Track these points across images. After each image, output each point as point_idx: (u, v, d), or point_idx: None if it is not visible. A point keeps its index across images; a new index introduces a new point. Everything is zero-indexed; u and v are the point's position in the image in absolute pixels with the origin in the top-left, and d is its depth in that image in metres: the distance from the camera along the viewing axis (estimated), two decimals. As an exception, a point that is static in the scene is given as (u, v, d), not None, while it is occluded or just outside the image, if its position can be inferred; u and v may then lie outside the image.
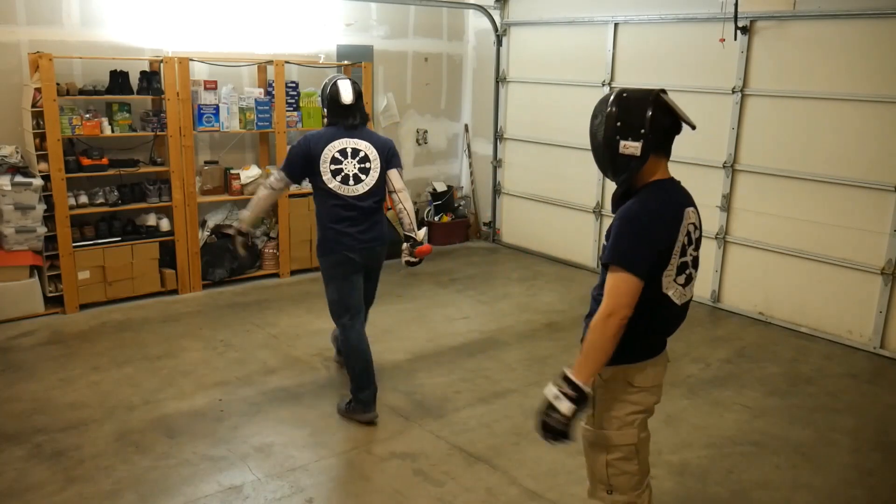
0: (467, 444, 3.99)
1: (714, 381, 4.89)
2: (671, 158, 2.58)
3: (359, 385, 4.20)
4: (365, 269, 4.20)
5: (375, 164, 4.10)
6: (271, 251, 6.86)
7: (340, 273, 4.13)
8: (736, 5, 5.57)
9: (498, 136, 8.18)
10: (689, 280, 2.52)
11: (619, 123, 2.39)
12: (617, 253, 2.33)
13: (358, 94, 4.11)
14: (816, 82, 5.57)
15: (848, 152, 5.45)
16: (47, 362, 4.91)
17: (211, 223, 6.77)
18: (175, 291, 6.30)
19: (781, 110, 5.79)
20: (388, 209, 7.87)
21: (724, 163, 6.12)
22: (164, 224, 6.23)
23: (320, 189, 4.08)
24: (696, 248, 2.54)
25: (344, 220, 4.07)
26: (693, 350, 5.41)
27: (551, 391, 2.33)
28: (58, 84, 5.47)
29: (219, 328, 5.59)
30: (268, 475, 3.68)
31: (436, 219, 8.27)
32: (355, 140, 4.07)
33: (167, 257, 6.25)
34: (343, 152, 4.02)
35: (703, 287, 6.46)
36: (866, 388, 4.89)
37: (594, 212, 7.23)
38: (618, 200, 2.50)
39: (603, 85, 6.94)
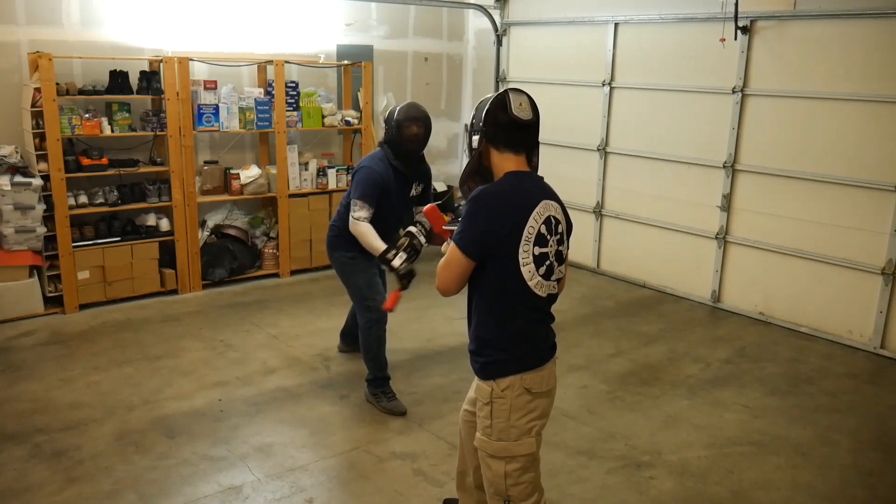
0: (467, 444, 3.99)
1: (714, 381, 4.89)
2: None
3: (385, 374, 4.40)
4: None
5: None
6: (271, 251, 6.85)
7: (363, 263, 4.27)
8: (736, 5, 5.57)
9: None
10: (551, 272, 2.55)
11: (473, 121, 2.64)
12: (456, 233, 2.50)
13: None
14: (816, 82, 5.56)
15: (848, 152, 5.45)
16: (47, 362, 4.91)
17: (211, 223, 6.78)
18: (175, 291, 6.29)
19: (781, 110, 5.79)
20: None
21: (725, 163, 6.12)
22: (164, 224, 6.22)
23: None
24: (561, 243, 2.58)
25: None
26: (693, 350, 5.41)
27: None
28: (57, 84, 5.47)
29: (219, 328, 5.59)
30: (268, 475, 3.68)
31: (436, 219, 8.27)
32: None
33: (167, 257, 6.25)
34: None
35: (703, 287, 6.46)
36: (866, 388, 4.89)
37: (594, 212, 7.22)
38: (465, 188, 2.66)
39: (603, 85, 6.94)
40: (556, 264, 2.56)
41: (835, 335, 5.65)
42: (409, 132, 4.20)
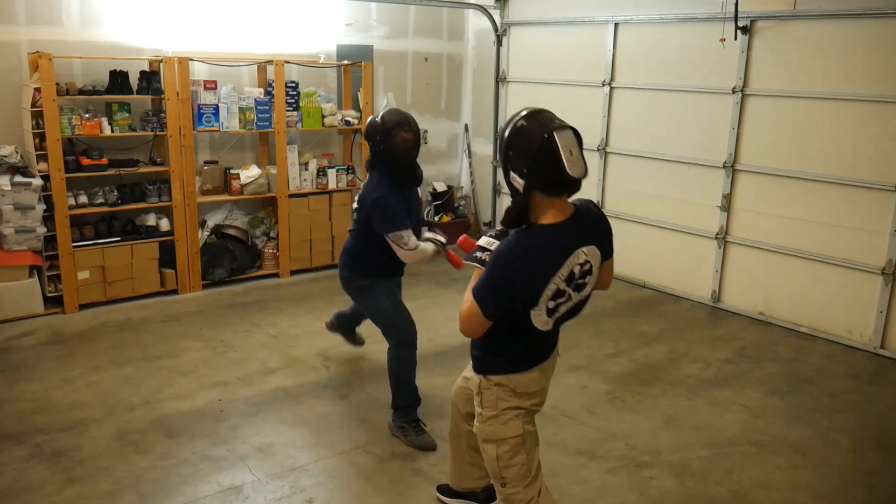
0: (467, 444, 3.98)
1: (714, 381, 4.89)
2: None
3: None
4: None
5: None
6: (271, 251, 6.85)
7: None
8: (736, 5, 5.57)
9: (498, 137, 8.18)
10: (559, 312, 2.56)
11: (509, 153, 2.44)
12: (477, 288, 2.48)
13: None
14: (816, 82, 5.56)
15: (848, 152, 5.45)
16: (47, 362, 4.91)
17: (211, 223, 6.78)
18: (175, 291, 6.29)
19: (782, 110, 5.79)
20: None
21: (725, 163, 6.12)
22: (164, 224, 6.22)
23: None
24: (581, 288, 2.55)
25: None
26: (693, 350, 5.41)
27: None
28: (57, 84, 5.47)
29: (219, 328, 5.58)
30: (268, 475, 3.68)
31: (436, 219, 8.28)
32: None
33: (167, 257, 6.25)
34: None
35: (703, 287, 6.46)
36: (866, 388, 4.89)
37: (594, 212, 7.22)
38: (510, 221, 2.51)
39: (603, 85, 6.94)
40: (568, 306, 2.55)
41: (835, 335, 5.65)
42: (401, 138, 3.83)
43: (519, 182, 2.41)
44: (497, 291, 2.44)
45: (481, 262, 2.52)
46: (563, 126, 2.42)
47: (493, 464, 2.72)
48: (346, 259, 4.15)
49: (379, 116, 3.92)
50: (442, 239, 4.00)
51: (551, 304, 2.49)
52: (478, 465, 3.17)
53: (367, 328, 4.92)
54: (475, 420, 2.78)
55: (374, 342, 5.39)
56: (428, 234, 4.03)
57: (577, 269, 2.48)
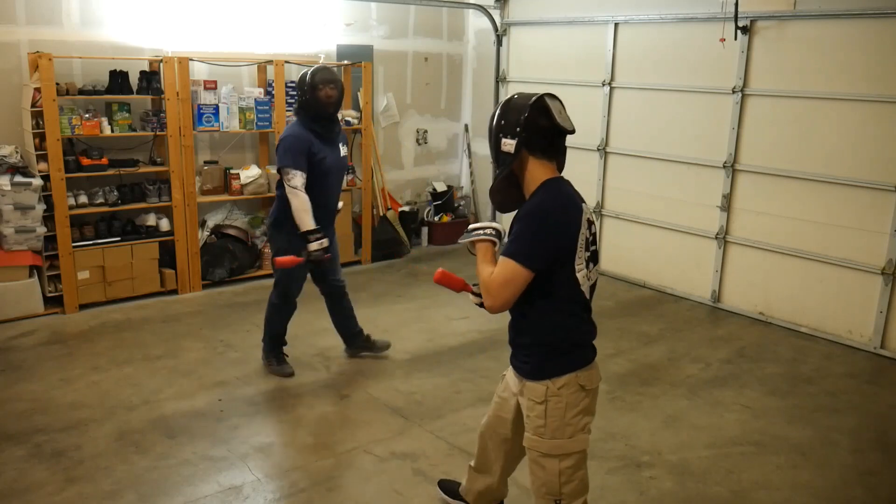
0: (467, 444, 3.98)
1: (714, 381, 4.89)
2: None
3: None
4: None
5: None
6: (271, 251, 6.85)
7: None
8: (736, 5, 5.57)
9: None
10: (591, 272, 2.62)
11: (502, 122, 2.57)
12: (515, 246, 2.46)
13: None
14: (816, 82, 5.56)
15: (848, 152, 5.45)
16: (47, 362, 4.91)
17: (211, 223, 6.78)
18: (175, 291, 6.29)
19: (781, 110, 5.79)
20: (389, 209, 7.86)
21: (724, 163, 6.12)
22: (164, 224, 6.22)
23: None
24: (594, 243, 2.63)
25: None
26: (693, 350, 5.41)
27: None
28: (57, 84, 5.47)
29: (219, 328, 5.59)
30: (268, 475, 3.68)
31: (436, 219, 8.28)
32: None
33: (167, 257, 6.25)
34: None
35: (703, 287, 6.46)
36: (866, 388, 4.89)
37: (594, 211, 7.22)
38: (498, 196, 2.69)
39: (603, 85, 6.94)
40: (593, 264, 2.63)
41: (835, 335, 5.65)
42: (324, 94, 4.29)
43: (510, 143, 2.52)
44: (540, 240, 2.45)
45: (486, 233, 2.60)
46: (555, 96, 2.59)
47: (554, 480, 2.60)
48: (270, 220, 4.63)
49: (311, 71, 4.34)
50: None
51: (586, 256, 2.53)
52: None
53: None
54: (531, 433, 2.63)
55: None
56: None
57: (589, 220, 2.57)
